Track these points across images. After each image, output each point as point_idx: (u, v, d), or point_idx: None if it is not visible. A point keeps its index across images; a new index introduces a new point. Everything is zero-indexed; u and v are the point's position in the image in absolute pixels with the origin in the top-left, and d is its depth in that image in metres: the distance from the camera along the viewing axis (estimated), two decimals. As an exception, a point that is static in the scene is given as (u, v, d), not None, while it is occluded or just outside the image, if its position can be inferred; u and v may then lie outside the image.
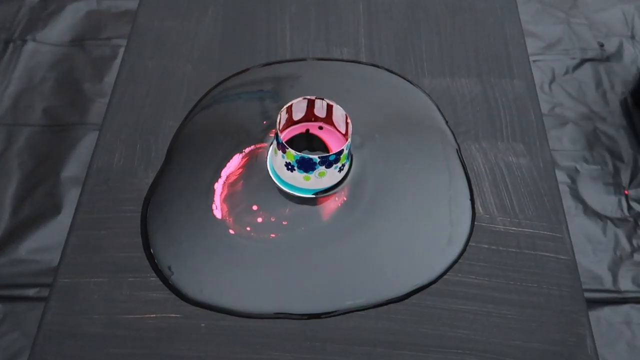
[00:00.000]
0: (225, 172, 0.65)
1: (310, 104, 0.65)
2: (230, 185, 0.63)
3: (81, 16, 1.59)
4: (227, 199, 0.63)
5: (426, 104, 0.71)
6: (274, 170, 0.64)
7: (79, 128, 1.37)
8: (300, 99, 0.64)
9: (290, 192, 0.63)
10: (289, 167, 0.61)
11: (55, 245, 1.16)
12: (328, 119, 0.67)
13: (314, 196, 0.63)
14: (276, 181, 0.64)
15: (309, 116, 0.67)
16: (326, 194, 0.63)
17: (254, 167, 0.65)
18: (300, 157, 0.59)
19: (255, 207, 0.62)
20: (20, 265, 1.17)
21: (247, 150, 0.67)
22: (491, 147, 0.69)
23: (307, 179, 0.61)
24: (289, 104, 0.64)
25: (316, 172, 0.61)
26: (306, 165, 0.60)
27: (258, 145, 0.67)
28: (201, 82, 0.73)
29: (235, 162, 0.66)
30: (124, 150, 0.67)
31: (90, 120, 1.38)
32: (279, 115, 0.62)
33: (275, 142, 0.62)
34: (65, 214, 1.24)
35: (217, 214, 0.62)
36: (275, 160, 0.63)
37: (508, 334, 0.56)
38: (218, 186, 0.63)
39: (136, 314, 0.56)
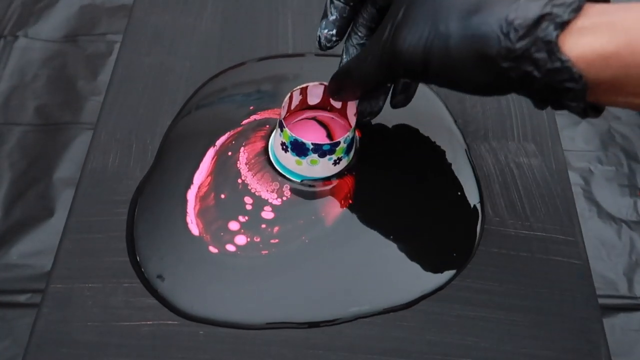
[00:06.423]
0: (202, 176, 0.63)
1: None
2: (203, 199, 0.62)
3: (75, 11, 1.57)
4: (213, 208, 0.61)
5: (433, 101, 0.70)
6: (272, 148, 0.64)
7: (72, 127, 1.36)
8: (316, 83, 0.63)
9: (281, 171, 0.62)
10: (284, 147, 0.60)
11: (48, 250, 1.14)
12: (343, 111, 0.65)
13: (299, 182, 0.62)
14: (272, 158, 0.63)
15: (325, 104, 0.66)
16: (314, 183, 0.62)
17: (229, 166, 0.63)
18: (294, 139, 0.59)
19: (250, 214, 0.60)
20: (11, 270, 1.15)
21: (228, 141, 0.65)
22: (501, 147, 0.68)
23: (299, 163, 0.61)
24: (304, 85, 0.63)
25: (308, 158, 0.60)
26: (299, 149, 0.59)
27: (237, 130, 0.65)
28: (200, 79, 0.72)
29: (218, 160, 0.64)
30: (119, 151, 0.66)
31: (84, 119, 1.37)
32: (289, 94, 0.62)
33: (279, 120, 0.62)
34: (58, 217, 1.23)
35: (203, 219, 0.60)
36: (275, 138, 0.63)
37: (519, 342, 0.55)
38: (194, 193, 0.62)
39: (132, 321, 0.54)
